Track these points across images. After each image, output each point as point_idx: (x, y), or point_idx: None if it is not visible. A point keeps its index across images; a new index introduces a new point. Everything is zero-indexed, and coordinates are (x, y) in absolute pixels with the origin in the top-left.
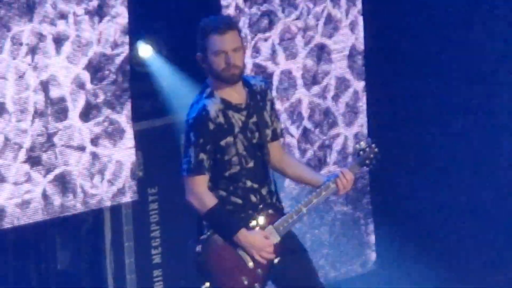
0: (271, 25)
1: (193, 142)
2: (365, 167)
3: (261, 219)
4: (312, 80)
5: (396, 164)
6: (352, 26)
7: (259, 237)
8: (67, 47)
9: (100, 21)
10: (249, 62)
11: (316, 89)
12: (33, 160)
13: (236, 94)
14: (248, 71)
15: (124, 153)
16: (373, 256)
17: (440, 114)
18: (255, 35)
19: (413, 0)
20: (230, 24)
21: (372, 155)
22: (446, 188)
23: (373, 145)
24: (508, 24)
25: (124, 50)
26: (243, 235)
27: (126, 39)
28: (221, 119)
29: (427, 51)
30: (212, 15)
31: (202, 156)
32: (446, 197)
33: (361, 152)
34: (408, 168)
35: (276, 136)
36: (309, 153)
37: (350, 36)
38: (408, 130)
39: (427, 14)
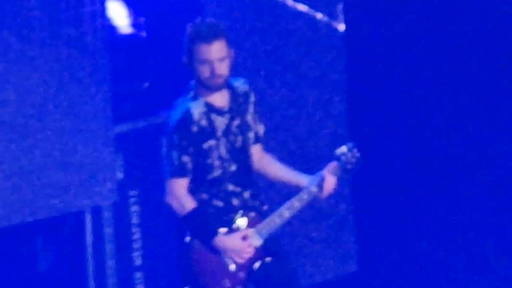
0: None
1: (176, 144)
2: (346, 171)
3: (243, 222)
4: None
5: (379, 164)
6: None
7: (237, 241)
8: None
9: None
10: None
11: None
12: None
13: (220, 98)
14: None
15: (104, 155)
16: (354, 258)
17: (423, 115)
18: None
19: None
20: (218, 33)
21: (353, 160)
22: (430, 189)
23: (355, 150)
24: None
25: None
26: (220, 240)
27: None
28: (204, 122)
29: (409, 52)
30: (201, 19)
31: (185, 158)
32: (430, 198)
33: (342, 157)
34: (391, 168)
35: (258, 139)
36: None
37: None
38: (391, 131)
39: (409, 11)
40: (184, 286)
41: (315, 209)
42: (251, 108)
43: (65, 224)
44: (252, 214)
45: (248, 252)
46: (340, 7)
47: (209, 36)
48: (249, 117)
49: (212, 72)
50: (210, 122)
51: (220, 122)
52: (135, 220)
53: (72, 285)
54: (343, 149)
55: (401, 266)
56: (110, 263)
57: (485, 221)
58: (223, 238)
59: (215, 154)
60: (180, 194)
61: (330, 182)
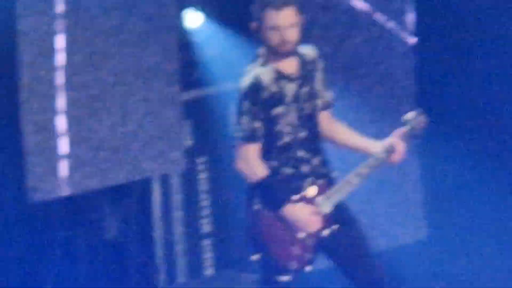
0: None
1: (247, 110)
2: (414, 137)
3: (312, 190)
4: None
5: (447, 131)
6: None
7: (305, 212)
8: None
9: None
10: None
11: None
12: None
13: (288, 64)
14: None
15: (173, 122)
16: (424, 225)
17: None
18: None
19: None
20: (288, 0)
21: (422, 125)
22: (500, 155)
23: (421, 116)
24: None
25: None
26: (289, 210)
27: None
28: (274, 88)
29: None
30: None
31: (256, 124)
32: (498, 164)
33: (410, 122)
34: (459, 134)
35: (326, 105)
36: None
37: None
38: (458, 96)
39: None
40: (254, 254)
41: (384, 176)
42: (319, 75)
43: (133, 191)
44: (321, 181)
45: (317, 222)
46: (412, 18)
47: (279, 2)
48: (318, 84)
49: (281, 39)
50: (280, 89)
51: (290, 89)
52: (203, 187)
53: (140, 252)
54: (411, 114)
55: (471, 233)
56: (178, 230)
57: None
58: (292, 208)
59: (284, 121)
60: (252, 160)
61: (399, 147)
